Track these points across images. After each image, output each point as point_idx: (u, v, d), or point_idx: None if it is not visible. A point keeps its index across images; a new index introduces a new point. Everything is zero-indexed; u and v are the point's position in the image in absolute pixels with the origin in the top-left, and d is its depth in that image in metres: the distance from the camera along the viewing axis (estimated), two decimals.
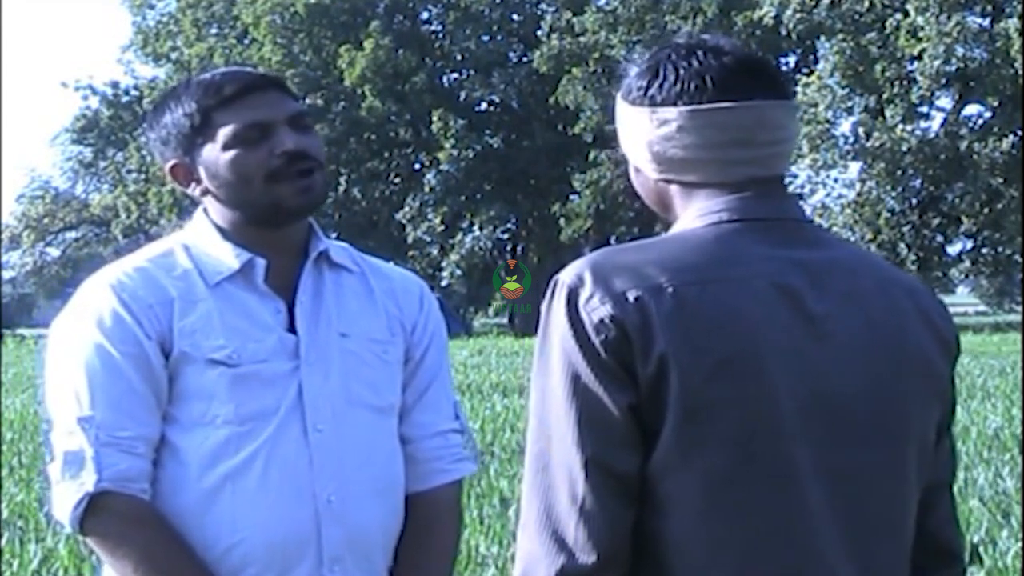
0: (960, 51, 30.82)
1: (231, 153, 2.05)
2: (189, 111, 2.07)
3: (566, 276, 1.58)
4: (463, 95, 41.73)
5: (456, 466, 2.20)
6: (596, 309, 1.54)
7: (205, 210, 2.14)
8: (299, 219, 2.11)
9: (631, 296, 1.54)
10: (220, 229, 2.11)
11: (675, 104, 1.65)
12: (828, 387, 1.57)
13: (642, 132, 1.68)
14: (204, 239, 2.11)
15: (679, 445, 1.52)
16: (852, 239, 30.98)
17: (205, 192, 2.11)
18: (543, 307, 1.59)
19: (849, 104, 32.71)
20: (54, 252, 52.67)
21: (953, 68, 31.20)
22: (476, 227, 39.30)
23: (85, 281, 2.09)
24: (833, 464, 1.56)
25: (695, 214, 1.65)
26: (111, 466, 1.96)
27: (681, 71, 1.65)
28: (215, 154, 2.06)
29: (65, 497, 1.97)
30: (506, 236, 42.24)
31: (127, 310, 2.02)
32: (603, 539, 1.52)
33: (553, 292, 1.58)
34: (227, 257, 2.08)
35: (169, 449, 2.02)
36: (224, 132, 2.05)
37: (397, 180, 42.06)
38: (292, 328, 2.08)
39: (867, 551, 1.58)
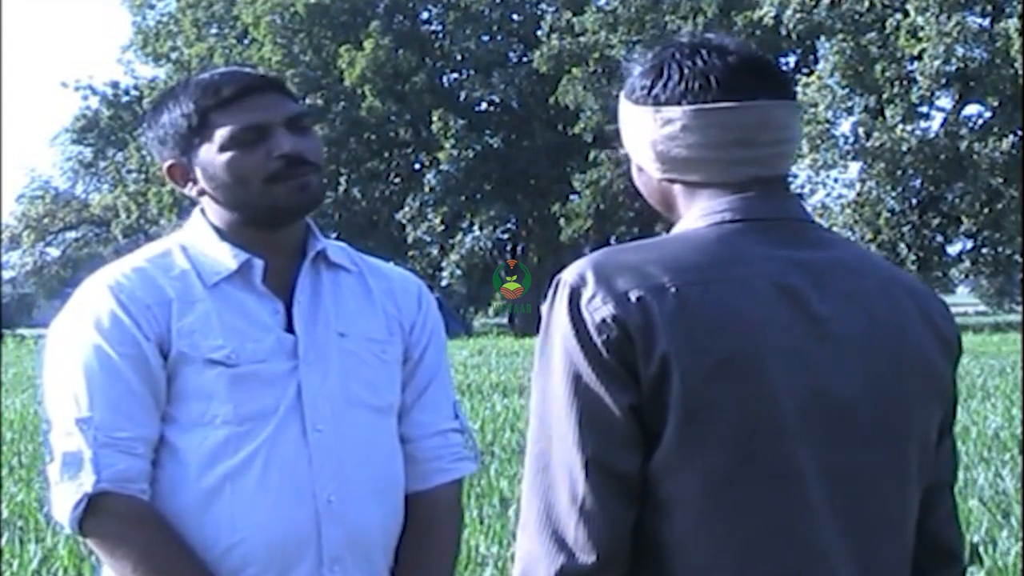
0: (960, 51, 30.83)
1: (228, 155, 2.04)
2: (187, 111, 2.06)
3: (568, 276, 1.58)
4: (463, 95, 41.74)
5: (456, 465, 2.20)
6: (598, 309, 1.53)
7: (203, 210, 2.14)
8: (296, 219, 2.10)
9: (633, 296, 1.53)
10: (217, 229, 2.10)
11: (679, 103, 1.64)
12: (829, 387, 1.57)
13: (646, 131, 1.67)
14: (202, 239, 2.10)
15: (680, 445, 1.52)
16: (852, 239, 30.95)
17: (202, 192, 2.10)
18: (544, 307, 1.59)
19: (849, 104, 32.73)
20: (54, 252, 52.73)
21: (953, 68, 31.22)
22: (476, 227, 39.31)
23: (83, 282, 2.09)
24: (834, 464, 1.56)
25: (698, 214, 1.65)
26: (110, 467, 1.96)
27: (685, 70, 1.65)
28: (212, 155, 2.06)
29: (64, 498, 1.97)
30: (506, 236, 42.26)
31: (125, 311, 2.01)
32: (603, 539, 1.52)
33: (555, 292, 1.58)
34: (225, 257, 2.08)
35: (168, 449, 2.02)
36: (221, 133, 2.04)
37: (397, 180, 42.07)
38: (290, 328, 2.07)
39: (868, 551, 1.57)
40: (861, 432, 1.57)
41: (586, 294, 1.55)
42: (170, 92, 2.13)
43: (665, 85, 1.65)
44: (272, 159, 2.04)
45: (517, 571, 1.56)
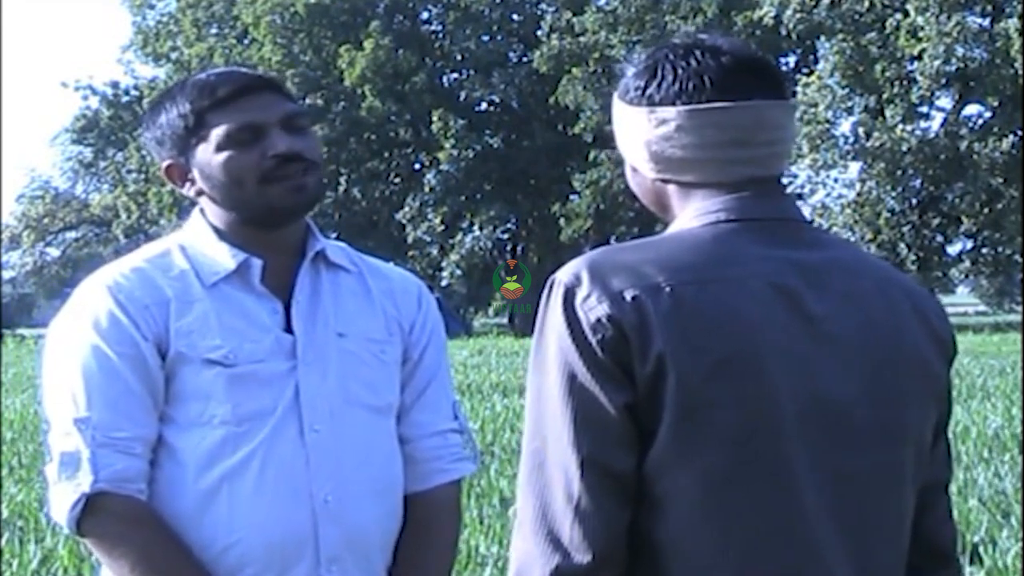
0: (960, 51, 30.82)
1: (223, 155, 2.05)
2: (183, 112, 2.07)
3: (563, 275, 1.58)
4: (463, 95, 41.72)
5: (455, 466, 2.20)
6: (593, 308, 1.53)
7: (202, 210, 2.15)
8: (294, 219, 2.10)
9: (628, 295, 1.53)
10: (216, 229, 2.11)
11: (673, 104, 1.64)
12: (826, 388, 1.56)
13: (640, 132, 1.67)
14: (200, 239, 2.11)
15: (676, 444, 1.51)
16: (852, 239, 30.99)
17: (200, 192, 2.11)
18: (540, 306, 1.59)
19: (849, 104, 32.71)
20: (54, 252, 52.71)
21: (953, 68, 31.20)
22: (476, 227, 39.28)
23: (82, 282, 2.09)
24: (831, 465, 1.56)
25: (693, 214, 1.65)
26: (107, 467, 1.96)
27: (680, 71, 1.65)
28: (208, 155, 2.06)
29: (62, 498, 1.97)
30: (506, 236, 42.24)
31: (123, 311, 2.02)
32: (598, 539, 1.52)
33: (550, 291, 1.58)
34: (223, 257, 2.08)
35: (166, 449, 2.02)
36: (216, 133, 2.05)
37: (397, 180, 42.05)
38: (289, 328, 2.07)
39: (864, 552, 1.57)
40: (857, 433, 1.57)
41: (581, 293, 1.55)
42: (167, 93, 2.13)
43: (659, 85, 1.65)
44: (266, 159, 2.04)
45: (512, 570, 1.56)
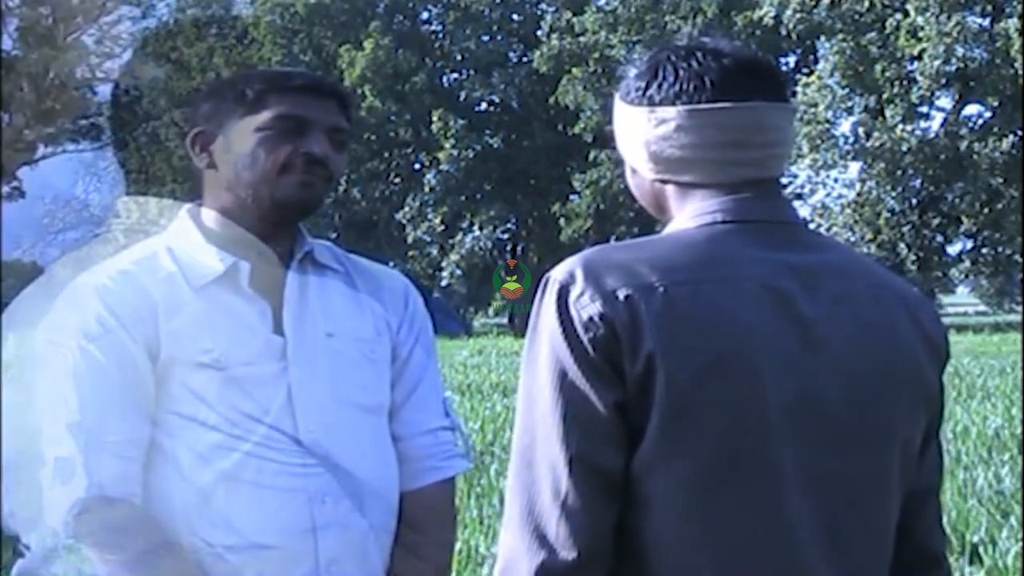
0: (960, 51, 30.85)
1: (262, 133, 2.06)
2: (249, 88, 2.08)
3: (558, 273, 1.57)
4: (463, 95, 41.74)
5: (448, 463, 2.20)
6: (586, 307, 1.53)
7: (190, 210, 2.15)
8: (291, 218, 2.10)
9: (621, 295, 1.53)
10: (204, 231, 2.10)
11: (674, 104, 1.64)
12: (816, 391, 1.56)
13: (640, 132, 1.67)
14: (187, 242, 2.10)
15: (664, 444, 1.51)
16: (852, 239, 31.04)
17: (210, 165, 2.11)
18: (535, 304, 1.59)
19: (849, 104, 32.74)
20: (54, 252, 52.69)
21: (953, 68, 31.24)
22: (476, 227, 39.30)
23: (69, 284, 2.08)
24: (818, 467, 1.55)
25: (690, 215, 1.64)
26: (101, 471, 1.95)
27: (680, 71, 1.65)
28: (248, 129, 2.07)
29: (57, 503, 1.96)
30: (506, 236, 42.25)
31: (112, 314, 2.01)
32: (584, 536, 1.51)
33: (544, 289, 1.58)
34: (211, 261, 2.07)
35: (161, 453, 2.01)
36: (268, 113, 2.06)
37: (397, 180, 42.06)
38: (278, 330, 2.07)
39: (849, 555, 1.57)
40: (845, 436, 1.56)
41: (575, 292, 1.54)
42: (246, 71, 2.18)
43: (660, 86, 1.65)
44: (297, 154, 2.05)
45: (499, 566, 1.55)
